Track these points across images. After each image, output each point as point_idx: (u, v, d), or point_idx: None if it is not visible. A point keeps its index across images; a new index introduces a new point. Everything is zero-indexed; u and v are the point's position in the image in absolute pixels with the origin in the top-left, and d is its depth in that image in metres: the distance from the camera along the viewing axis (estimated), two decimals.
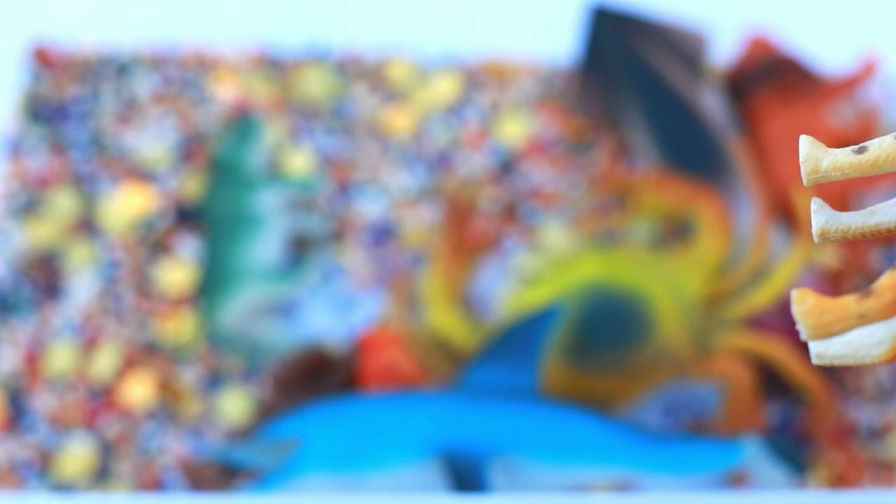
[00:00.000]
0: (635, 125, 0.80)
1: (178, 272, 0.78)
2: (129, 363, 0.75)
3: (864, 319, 0.34)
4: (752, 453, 0.63)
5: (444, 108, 0.85)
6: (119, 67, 0.86)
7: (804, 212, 0.74)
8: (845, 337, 0.35)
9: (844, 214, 0.39)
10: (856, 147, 0.38)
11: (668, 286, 0.71)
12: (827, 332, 0.35)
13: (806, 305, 0.34)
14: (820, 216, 0.39)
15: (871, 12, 0.89)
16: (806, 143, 0.38)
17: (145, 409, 0.74)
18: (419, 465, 0.63)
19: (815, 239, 0.39)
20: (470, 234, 0.79)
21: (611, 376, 0.69)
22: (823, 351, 0.36)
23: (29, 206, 0.81)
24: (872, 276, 0.77)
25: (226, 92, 0.85)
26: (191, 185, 0.81)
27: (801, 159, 0.38)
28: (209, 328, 0.76)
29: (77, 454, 0.72)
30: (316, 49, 0.88)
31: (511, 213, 0.81)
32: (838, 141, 0.81)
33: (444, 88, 0.86)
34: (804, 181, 0.39)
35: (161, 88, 0.85)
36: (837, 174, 0.38)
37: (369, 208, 0.81)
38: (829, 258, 0.77)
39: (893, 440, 0.73)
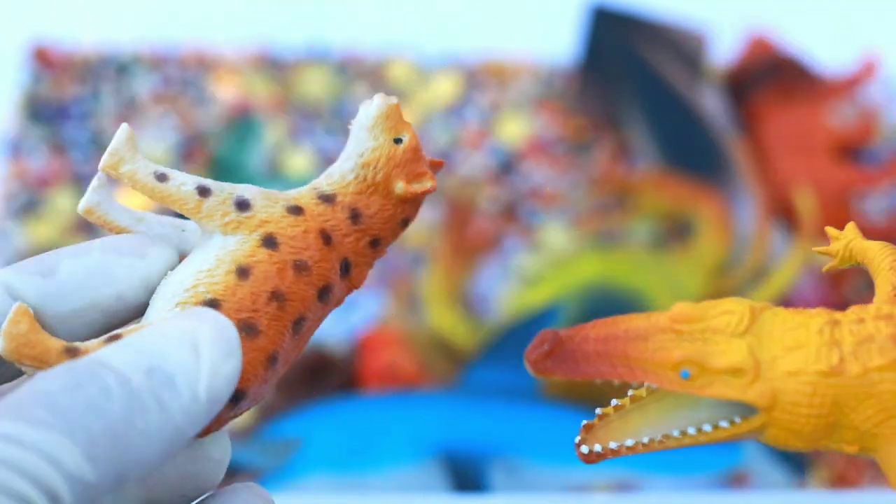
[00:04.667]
0: (635, 125, 0.80)
1: None
2: None
3: None
4: (752, 453, 0.63)
5: (444, 108, 0.85)
6: (119, 67, 0.86)
7: (804, 212, 0.74)
8: None
9: (118, 206, 0.36)
10: (160, 171, 0.36)
11: (668, 286, 0.71)
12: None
13: None
14: (93, 196, 0.35)
15: (871, 12, 0.89)
16: (121, 137, 0.35)
17: None
18: (419, 465, 0.63)
19: (81, 210, 0.34)
20: (470, 234, 0.79)
21: None
22: None
23: (29, 206, 0.81)
24: (870, 278, 0.77)
25: (226, 92, 0.85)
26: None
27: (109, 149, 0.35)
28: None
29: None
30: (316, 49, 0.88)
31: (511, 213, 0.81)
32: (838, 141, 0.81)
33: (444, 88, 0.86)
34: (100, 167, 0.35)
35: (161, 88, 0.85)
36: (130, 185, 0.35)
37: None
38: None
39: None
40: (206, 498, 0.33)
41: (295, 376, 0.72)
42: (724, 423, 0.36)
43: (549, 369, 0.35)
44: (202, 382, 0.29)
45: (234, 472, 0.70)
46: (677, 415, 0.37)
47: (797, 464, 0.64)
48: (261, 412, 0.73)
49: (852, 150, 0.82)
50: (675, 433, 0.36)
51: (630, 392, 0.37)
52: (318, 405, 0.66)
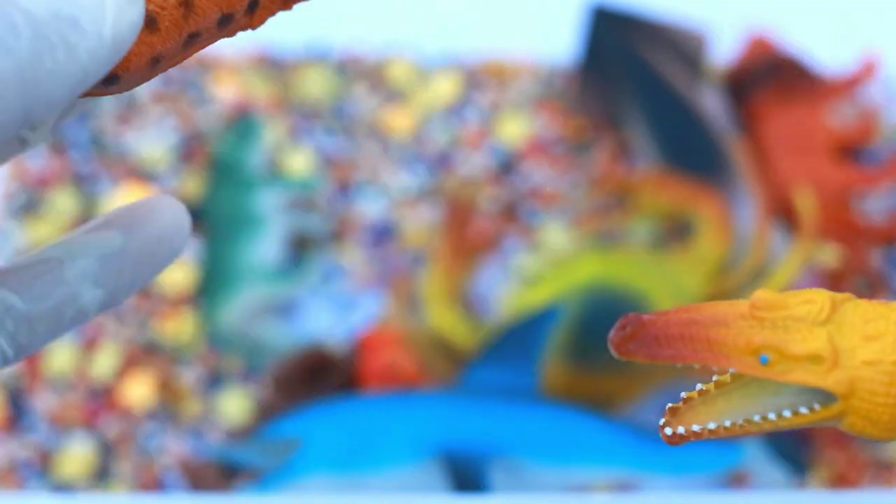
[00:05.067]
0: (635, 125, 0.81)
1: (178, 272, 0.78)
2: (129, 363, 0.75)
3: None
4: (752, 453, 0.63)
5: (444, 108, 0.85)
6: None
7: (804, 212, 0.74)
8: None
9: None
10: None
11: (668, 286, 0.71)
12: None
13: None
14: None
15: (871, 12, 0.89)
16: None
17: (145, 410, 0.74)
18: (419, 465, 0.63)
19: None
20: (470, 234, 0.79)
21: (611, 376, 0.69)
22: None
23: (29, 206, 0.81)
24: (872, 276, 0.77)
25: (226, 92, 0.85)
26: (191, 185, 0.81)
27: None
28: (209, 328, 0.76)
29: (77, 454, 0.72)
30: (316, 49, 0.88)
31: (511, 213, 0.81)
32: (838, 141, 0.81)
33: (444, 88, 0.86)
34: None
35: (161, 88, 0.85)
36: None
37: (369, 208, 0.81)
38: (829, 258, 0.77)
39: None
40: (131, 209, 0.34)
41: (295, 376, 0.72)
42: (803, 410, 0.37)
43: (631, 352, 0.36)
44: (107, 24, 0.30)
45: (234, 472, 0.70)
46: (759, 401, 0.37)
47: (797, 464, 0.64)
48: (261, 412, 0.73)
49: (852, 150, 0.82)
50: (757, 418, 0.37)
51: (714, 378, 0.38)
52: (318, 405, 0.66)
